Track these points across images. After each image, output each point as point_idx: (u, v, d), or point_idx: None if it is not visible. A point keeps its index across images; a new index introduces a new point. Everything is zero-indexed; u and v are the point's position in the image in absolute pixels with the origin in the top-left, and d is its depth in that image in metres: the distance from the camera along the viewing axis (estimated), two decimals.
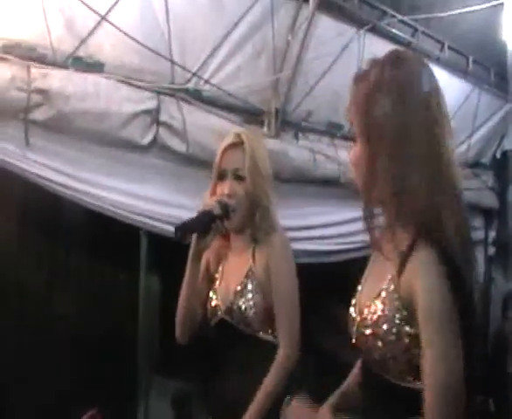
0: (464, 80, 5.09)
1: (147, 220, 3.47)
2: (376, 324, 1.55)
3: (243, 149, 2.42)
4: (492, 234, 5.64)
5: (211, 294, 2.53)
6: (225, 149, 2.45)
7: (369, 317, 1.58)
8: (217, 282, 2.53)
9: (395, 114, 1.54)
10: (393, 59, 1.61)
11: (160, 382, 4.49)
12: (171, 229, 3.49)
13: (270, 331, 2.40)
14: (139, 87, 3.28)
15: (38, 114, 3.01)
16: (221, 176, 2.45)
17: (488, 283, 5.50)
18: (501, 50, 5.19)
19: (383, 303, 1.55)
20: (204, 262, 2.54)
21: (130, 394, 4.38)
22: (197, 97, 3.49)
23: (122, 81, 3.22)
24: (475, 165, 5.56)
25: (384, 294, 1.55)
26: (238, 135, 2.46)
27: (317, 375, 4.46)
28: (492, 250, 5.61)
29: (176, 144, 3.43)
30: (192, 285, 2.48)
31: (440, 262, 1.45)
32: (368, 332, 1.57)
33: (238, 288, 2.40)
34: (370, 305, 1.58)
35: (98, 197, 3.27)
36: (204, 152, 3.48)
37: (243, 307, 2.38)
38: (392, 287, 1.53)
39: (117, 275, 4.28)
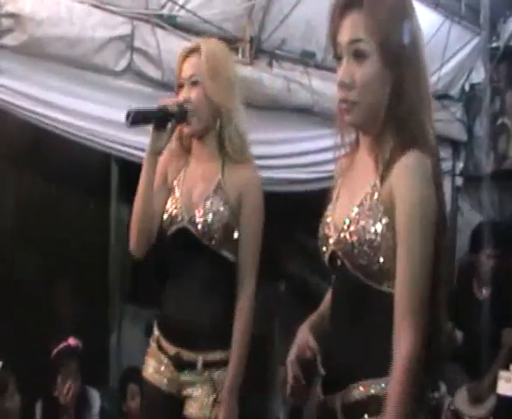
0: (435, 11, 5.07)
1: (120, 147, 3.46)
2: (362, 230, 1.59)
3: (199, 55, 2.31)
4: (459, 165, 5.74)
5: (169, 203, 2.40)
6: (183, 58, 2.35)
7: (353, 225, 1.61)
8: (177, 190, 2.41)
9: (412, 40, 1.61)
10: None
11: (133, 311, 4.53)
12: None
13: (230, 250, 2.34)
14: (113, 12, 3.23)
15: (10, 39, 2.96)
16: (181, 86, 2.36)
17: (455, 212, 5.64)
18: None
19: (367, 210, 1.60)
20: (162, 170, 2.40)
21: (102, 323, 4.42)
22: (171, 23, 3.44)
23: (96, 6, 3.17)
24: (444, 97, 5.59)
25: (367, 202, 1.61)
26: (196, 43, 2.37)
27: (289, 302, 4.57)
28: (459, 181, 5.72)
29: (151, 71, 3.40)
30: (149, 191, 2.31)
31: (425, 166, 1.55)
32: (354, 239, 1.60)
33: (206, 198, 2.33)
34: (353, 214, 1.62)
35: (69, 124, 3.25)
36: None
37: (210, 218, 2.30)
38: (376, 195, 1.59)
39: (88, 204, 4.27)
